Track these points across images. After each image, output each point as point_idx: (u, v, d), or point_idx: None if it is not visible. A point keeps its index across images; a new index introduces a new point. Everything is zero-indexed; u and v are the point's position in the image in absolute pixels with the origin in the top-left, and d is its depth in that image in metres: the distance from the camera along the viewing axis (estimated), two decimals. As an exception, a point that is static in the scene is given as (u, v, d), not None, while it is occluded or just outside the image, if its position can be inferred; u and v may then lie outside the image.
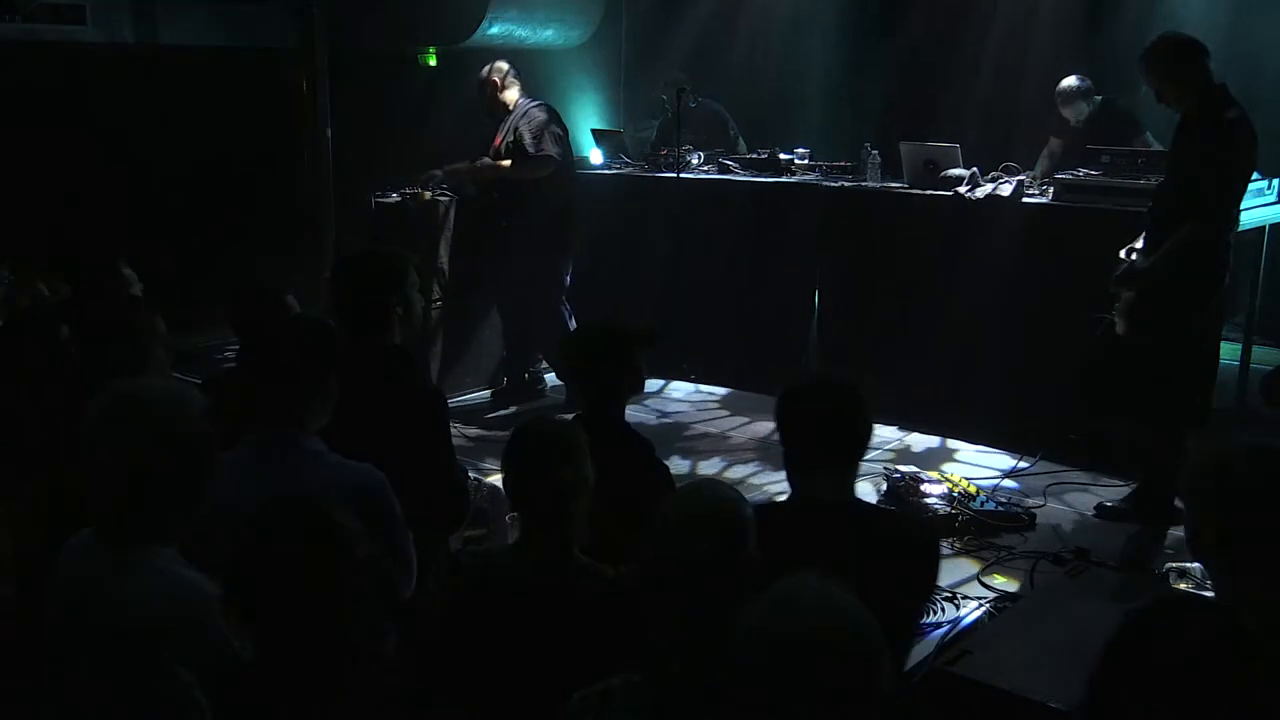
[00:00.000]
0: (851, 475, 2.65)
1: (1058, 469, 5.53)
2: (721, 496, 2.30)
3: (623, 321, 3.43)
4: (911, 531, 2.80)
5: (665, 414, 6.60)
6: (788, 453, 2.64)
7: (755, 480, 5.54)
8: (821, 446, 2.59)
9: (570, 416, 3.08)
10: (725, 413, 6.65)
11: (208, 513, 2.23)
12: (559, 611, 2.46)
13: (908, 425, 6.11)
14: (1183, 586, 4.02)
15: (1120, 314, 4.78)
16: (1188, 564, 4.10)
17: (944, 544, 4.64)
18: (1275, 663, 1.59)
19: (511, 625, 2.47)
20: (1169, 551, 4.39)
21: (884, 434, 6.00)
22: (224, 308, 3.75)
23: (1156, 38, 4.72)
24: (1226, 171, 4.52)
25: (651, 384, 7.04)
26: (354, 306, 3.33)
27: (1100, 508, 5.05)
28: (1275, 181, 5.70)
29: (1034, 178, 6.12)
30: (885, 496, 5.08)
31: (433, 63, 7.57)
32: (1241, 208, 5.31)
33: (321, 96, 6.69)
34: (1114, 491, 5.19)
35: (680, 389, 7.02)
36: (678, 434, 6.25)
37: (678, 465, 5.77)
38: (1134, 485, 5.06)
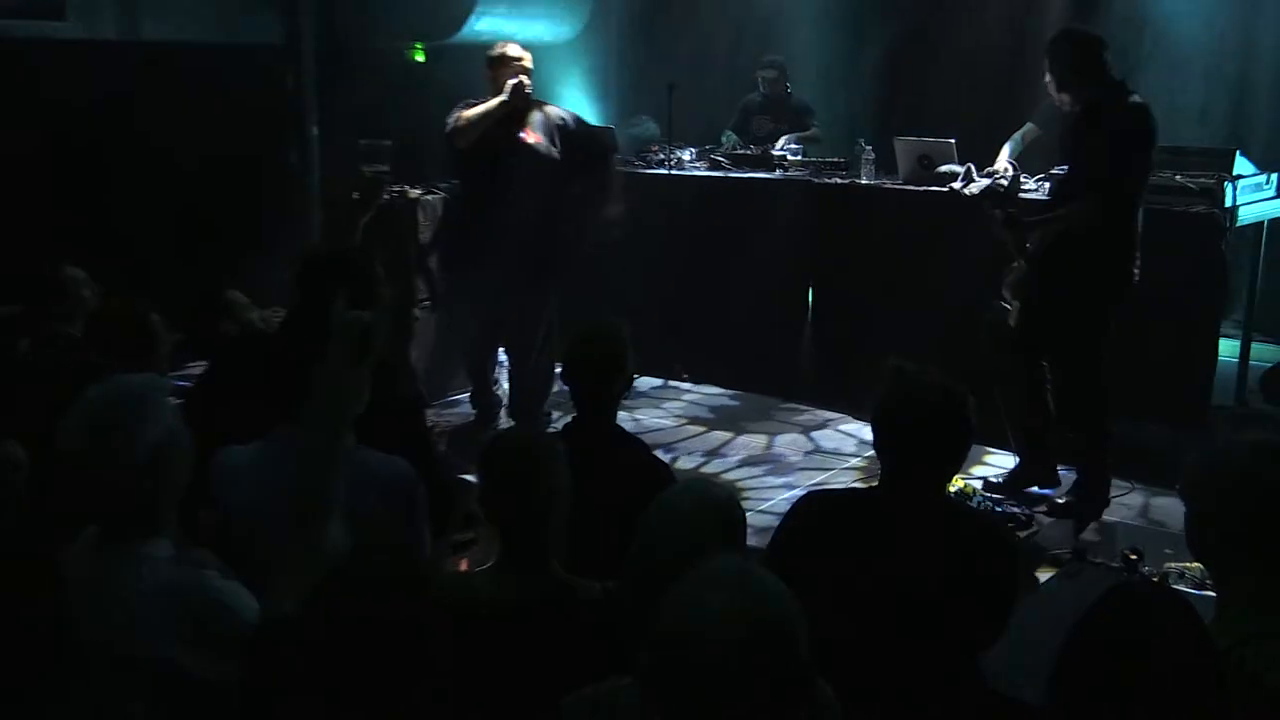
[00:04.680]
0: (947, 475, 2.64)
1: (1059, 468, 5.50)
2: (713, 496, 2.29)
3: (615, 319, 3.41)
4: (996, 532, 2.78)
5: (657, 415, 6.57)
6: (883, 448, 2.62)
7: (750, 482, 5.52)
8: (923, 445, 2.56)
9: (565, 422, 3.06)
10: (717, 414, 6.62)
11: (229, 512, 2.25)
12: (542, 634, 2.37)
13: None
14: (1182, 588, 4.00)
15: (1011, 294, 5.05)
16: (1187, 564, 4.08)
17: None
18: (1231, 652, 1.74)
19: (491, 650, 2.37)
20: (1168, 552, 4.37)
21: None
22: (186, 323, 3.73)
23: (1060, 31, 4.97)
24: (1125, 149, 4.69)
25: (642, 384, 7.02)
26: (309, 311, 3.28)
27: (1052, 505, 5.10)
28: (1274, 176, 5.70)
29: (997, 169, 6.03)
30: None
31: (420, 58, 7.53)
32: (1240, 202, 5.32)
33: (308, 94, 6.65)
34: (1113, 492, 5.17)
35: (672, 390, 6.98)
36: (669, 436, 6.23)
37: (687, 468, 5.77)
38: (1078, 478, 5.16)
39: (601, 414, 3.25)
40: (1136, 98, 4.76)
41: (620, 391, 3.28)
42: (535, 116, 5.88)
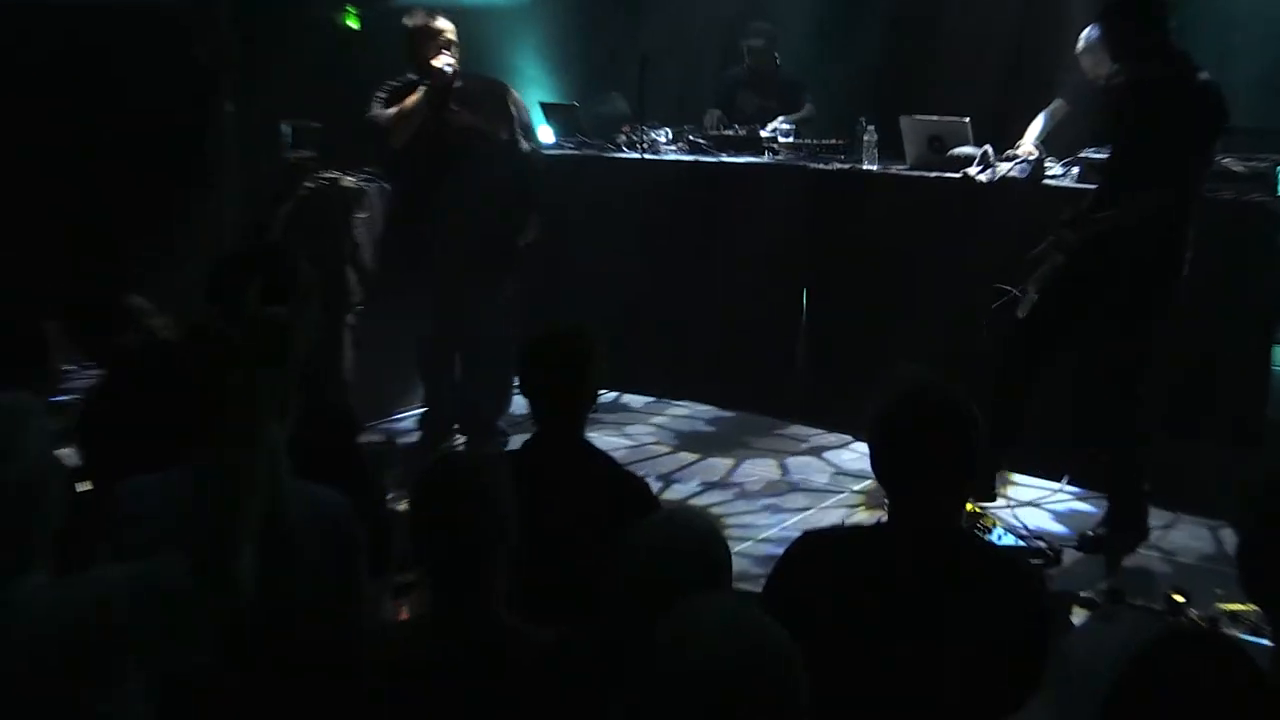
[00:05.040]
0: (956, 499, 2.64)
1: (1087, 495, 5.52)
2: (695, 528, 2.28)
3: (579, 323, 3.41)
4: (1023, 575, 2.77)
5: (629, 435, 6.55)
6: (881, 471, 2.61)
7: (734, 511, 5.51)
8: (920, 464, 2.55)
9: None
10: (700, 434, 6.61)
11: (130, 553, 2.21)
12: (481, 691, 2.34)
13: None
14: (1236, 633, 4.01)
15: (1036, 284, 5.03)
16: (1241, 606, 4.09)
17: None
18: None
19: (423, 711, 2.35)
20: (1218, 592, 4.38)
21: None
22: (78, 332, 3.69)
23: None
24: (1197, 133, 4.75)
25: (608, 400, 7.01)
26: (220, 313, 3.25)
27: (1082, 539, 5.10)
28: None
29: (1020, 151, 6.07)
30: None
31: (354, 24, 7.50)
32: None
33: (221, 64, 6.60)
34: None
35: (646, 406, 6.97)
36: (643, 458, 6.21)
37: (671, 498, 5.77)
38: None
39: (565, 429, 3.24)
40: (1205, 74, 4.77)
41: (586, 401, 3.28)
42: (470, 91, 5.98)
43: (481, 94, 6.04)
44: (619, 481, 3.25)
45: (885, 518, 2.66)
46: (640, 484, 3.31)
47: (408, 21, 5.98)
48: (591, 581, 2.46)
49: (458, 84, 5.94)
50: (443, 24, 5.93)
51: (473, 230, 5.91)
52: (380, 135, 5.95)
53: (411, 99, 5.89)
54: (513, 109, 6.16)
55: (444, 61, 5.84)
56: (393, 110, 5.91)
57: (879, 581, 2.53)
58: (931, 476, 2.54)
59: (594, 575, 2.41)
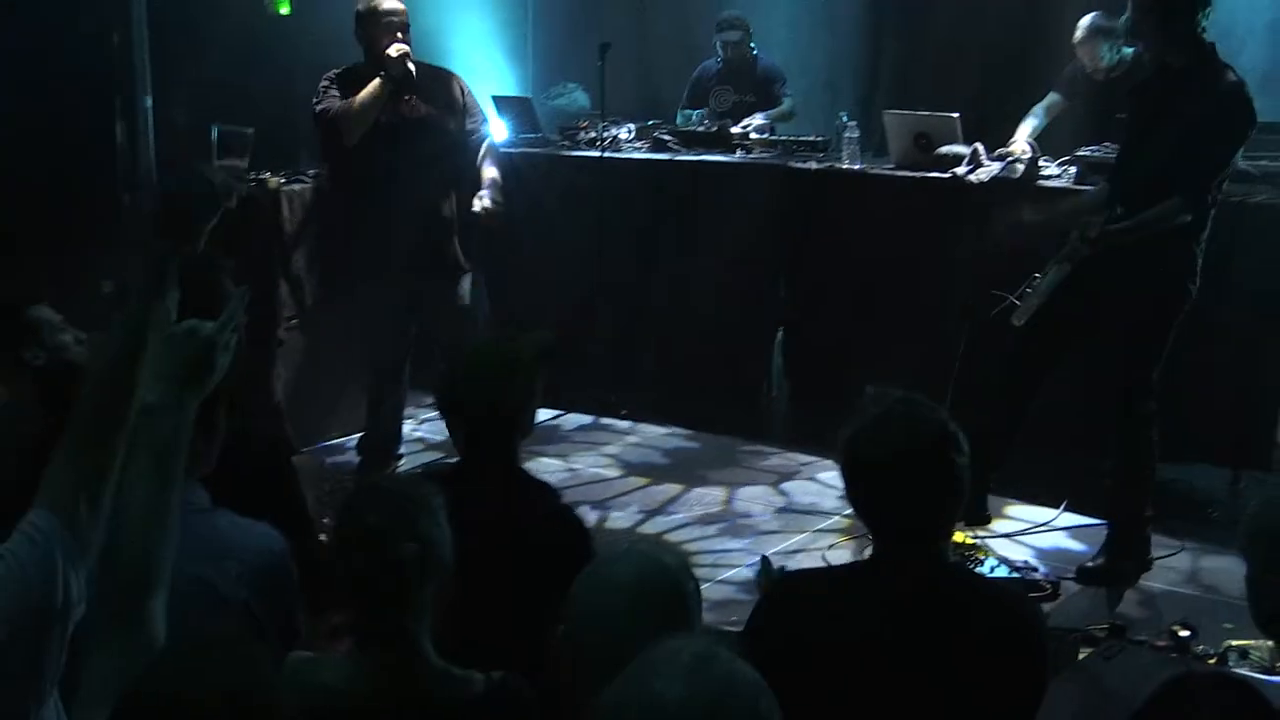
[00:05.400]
0: (943, 530, 2.64)
1: (1086, 522, 5.57)
2: (660, 562, 2.28)
3: (514, 334, 3.41)
4: (1014, 606, 2.78)
5: (590, 461, 6.56)
6: (857, 505, 2.63)
7: (704, 546, 5.53)
8: (898, 496, 2.55)
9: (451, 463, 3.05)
10: (664, 460, 6.62)
11: None
12: None
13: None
14: (1245, 671, 4.05)
15: (1041, 294, 5.04)
16: (1252, 642, 4.13)
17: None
18: None
19: None
20: (1227, 626, 4.42)
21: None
22: None
23: None
24: (1227, 137, 4.78)
25: (572, 420, 7.02)
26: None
27: (1081, 570, 5.14)
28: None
29: (1013, 150, 6.13)
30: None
31: (285, 10, 7.49)
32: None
33: (139, 53, 6.58)
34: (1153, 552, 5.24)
35: (607, 430, 6.98)
36: (605, 487, 6.22)
37: (618, 526, 5.76)
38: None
39: (494, 458, 3.22)
40: (1233, 74, 4.77)
41: (521, 425, 3.27)
42: (424, 80, 5.98)
43: (430, 82, 6.05)
44: (553, 523, 3.20)
45: (869, 553, 2.68)
46: (577, 528, 3.25)
47: (359, 5, 5.96)
48: (520, 629, 2.46)
49: (420, 74, 5.95)
50: (394, 4, 5.92)
51: (429, 229, 5.96)
52: (334, 130, 5.92)
53: (368, 90, 5.85)
54: (461, 97, 6.17)
55: (399, 49, 5.84)
56: (348, 103, 5.87)
57: (866, 623, 2.55)
58: (912, 508, 2.54)
59: (522, 624, 2.41)
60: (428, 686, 2.42)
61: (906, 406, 2.61)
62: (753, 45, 7.65)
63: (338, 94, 5.92)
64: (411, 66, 5.87)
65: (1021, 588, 4.86)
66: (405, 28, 5.92)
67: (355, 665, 2.44)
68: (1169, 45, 4.84)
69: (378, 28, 5.87)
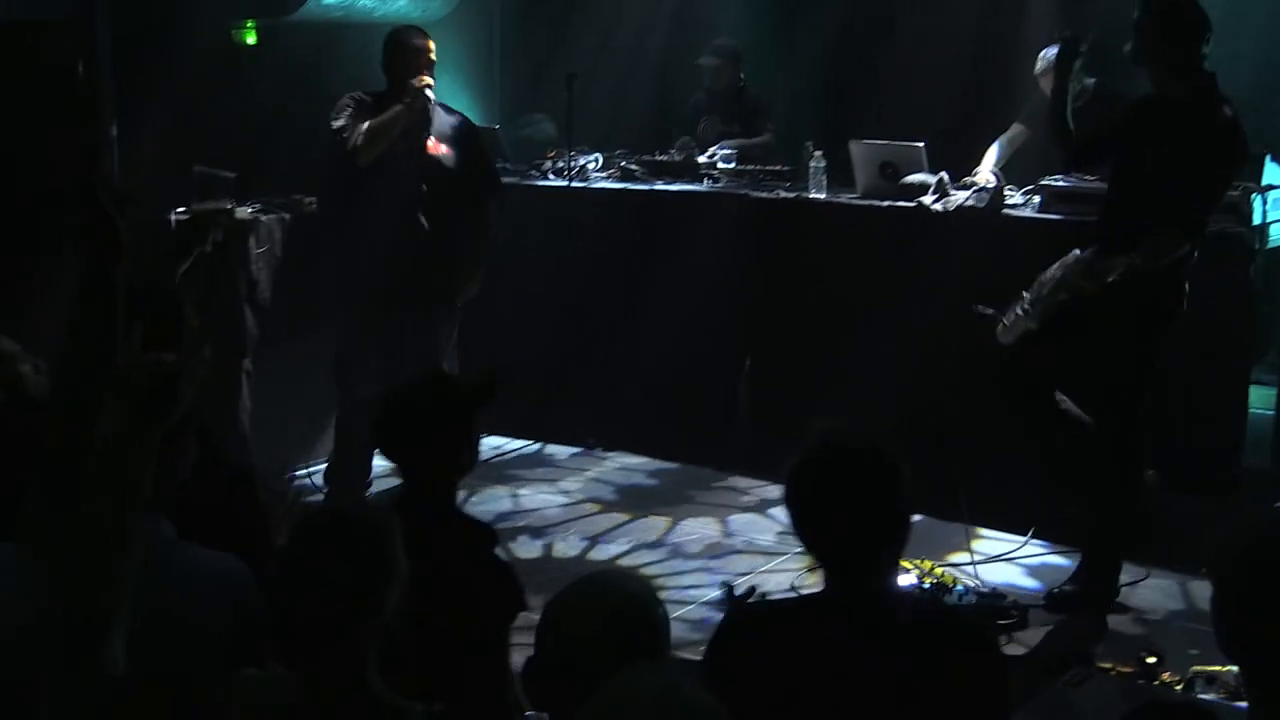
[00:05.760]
0: (888, 563, 2.64)
1: (1053, 550, 5.57)
2: (628, 592, 2.28)
3: (449, 374, 3.41)
4: (968, 635, 2.77)
5: (562, 491, 6.54)
6: (802, 537, 2.62)
7: (671, 576, 5.52)
8: (841, 527, 2.55)
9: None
10: (630, 490, 6.61)
11: None
12: None
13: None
14: (1211, 696, 4.05)
15: (1032, 317, 5.00)
16: (1219, 667, 4.14)
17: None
18: None
19: None
20: (1193, 653, 4.43)
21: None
22: None
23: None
24: (1222, 184, 4.84)
25: (541, 450, 7.01)
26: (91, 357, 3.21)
27: (1050, 596, 5.15)
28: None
29: (978, 180, 6.16)
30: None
31: (251, 40, 7.48)
32: (1272, 219, 5.48)
33: (104, 84, 6.55)
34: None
35: (574, 458, 6.96)
36: (575, 515, 6.21)
37: (569, 554, 5.76)
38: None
39: (431, 493, 3.20)
40: (1229, 107, 4.78)
41: (458, 463, 3.26)
42: (436, 120, 6.10)
43: (448, 123, 6.15)
44: (486, 567, 3.19)
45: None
46: (508, 578, 3.22)
47: (389, 37, 6.07)
48: (449, 664, 2.45)
49: (434, 112, 6.07)
50: (423, 41, 6.03)
51: (419, 261, 6.01)
52: (345, 148, 5.96)
53: (388, 114, 5.92)
54: (474, 143, 6.28)
55: (423, 80, 5.93)
56: (367, 124, 5.92)
57: (818, 655, 2.54)
58: (857, 541, 2.55)
59: (450, 659, 2.39)
60: (369, 713, 2.39)
61: (848, 440, 2.62)
62: (742, 77, 7.62)
63: (352, 114, 5.98)
64: (432, 95, 5.97)
65: (990, 615, 4.88)
66: (431, 64, 6.02)
67: (301, 687, 2.40)
68: (1169, 74, 4.85)
69: (405, 59, 5.97)
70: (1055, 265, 5.02)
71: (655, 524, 6.12)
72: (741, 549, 5.81)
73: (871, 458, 2.56)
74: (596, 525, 6.12)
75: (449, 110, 6.26)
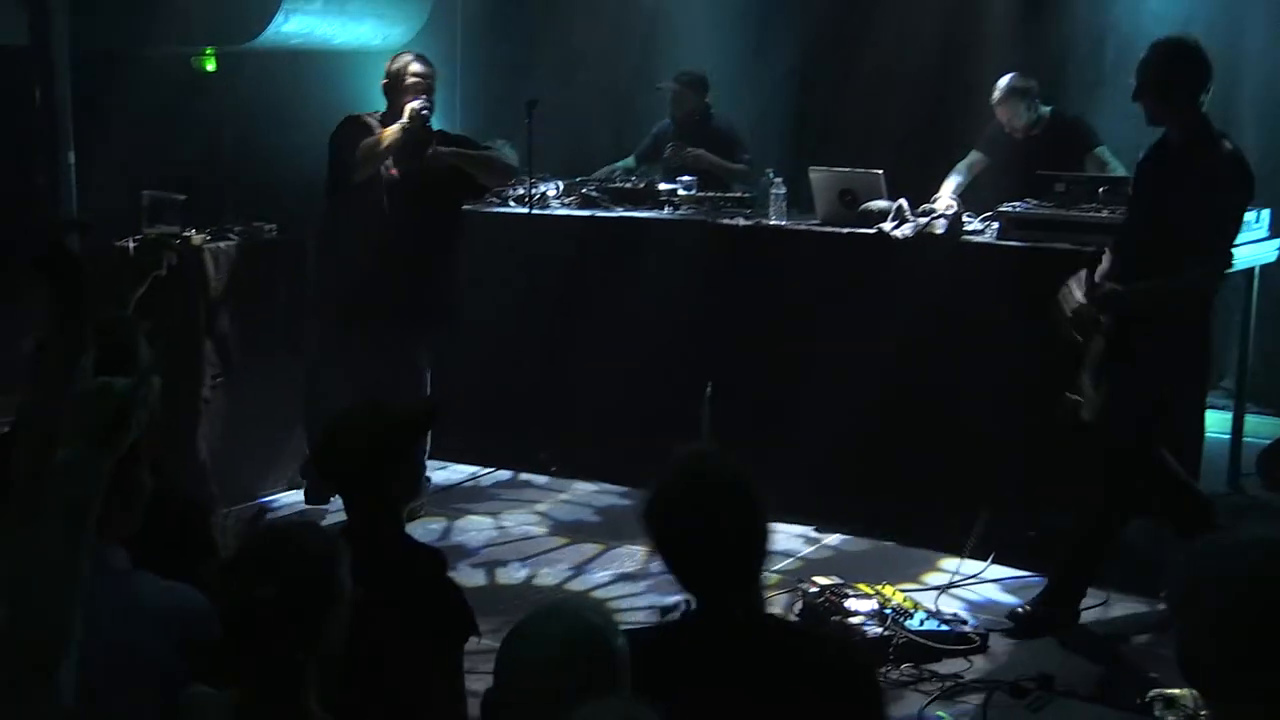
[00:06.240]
0: (756, 585, 2.64)
1: (1014, 575, 5.59)
2: (585, 621, 2.26)
3: (387, 404, 3.40)
4: (841, 659, 2.78)
5: (518, 519, 6.51)
6: (669, 564, 2.62)
7: (620, 599, 5.50)
8: (709, 554, 2.56)
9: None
10: (597, 516, 6.58)
11: None
12: None
13: (825, 525, 6.14)
14: (1170, 719, 4.06)
15: (1087, 376, 4.98)
16: (1177, 690, 4.15)
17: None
18: None
19: None
20: (1152, 676, 4.44)
21: (796, 537, 6.03)
22: None
23: (1160, 41, 4.96)
24: (1227, 217, 4.86)
25: (500, 476, 6.98)
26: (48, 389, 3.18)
27: (1013, 615, 5.16)
28: (1265, 213, 5.88)
29: (938, 206, 6.18)
30: (801, 616, 5.08)
31: (211, 68, 7.46)
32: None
33: (61, 110, 6.52)
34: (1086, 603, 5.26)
35: (534, 487, 6.94)
36: (532, 543, 6.18)
37: (522, 580, 5.73)
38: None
39: (373, 520, 3.18)
40: (1229, 145, 4.87)
41: (400, 490, 3.25)
42: (439, 144, 6.26)
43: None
44: (435, 591, 3.17)
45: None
46: (457, 602, 3.21)
47: (390, 63, 6.28)
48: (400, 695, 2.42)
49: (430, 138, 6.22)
50: (421, 68, 6.24)
51: (409, 283, 6.17)
52: (342, 164, 6.12)
53: (385, 133, 6.10)
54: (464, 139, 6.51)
55: (420, 104, 6.10)
56: (362, 143, 6.10)
57: (692, 676, 2.52)
58: (717, 565, 2.57)
59: (411, 680, 2.36)
60: None
61: (704, 464, 2.67)
62: (708, 104, 7.63)
63: (355, 133, 6.16)
64: (427, 117, 6.13)
65: (957, 640, 4.88)
66: (430, 90, 6.21)
67: (242, 711, 2.37)
68: (1167, 119, 4.91)
69: (404, 84, 6.16)
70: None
71: (608, 551, 6.08)
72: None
73: (731, 481, 2.60)
74: (551, 552, 6.09)
75: (452, 136, 6.47)
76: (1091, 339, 5.01)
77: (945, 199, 6.24)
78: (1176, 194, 4.84)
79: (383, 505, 3.21)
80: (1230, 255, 4.90)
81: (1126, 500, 5.03)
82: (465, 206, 6.58)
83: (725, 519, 2.56)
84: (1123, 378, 4.92)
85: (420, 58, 6.31)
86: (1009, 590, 5.50)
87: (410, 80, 6.15)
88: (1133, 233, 5.05)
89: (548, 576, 5.79)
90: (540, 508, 6.68)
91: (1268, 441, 6.24)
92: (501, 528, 6.37)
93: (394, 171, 6.18)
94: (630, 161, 7.70)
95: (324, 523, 6.02)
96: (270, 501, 6.53)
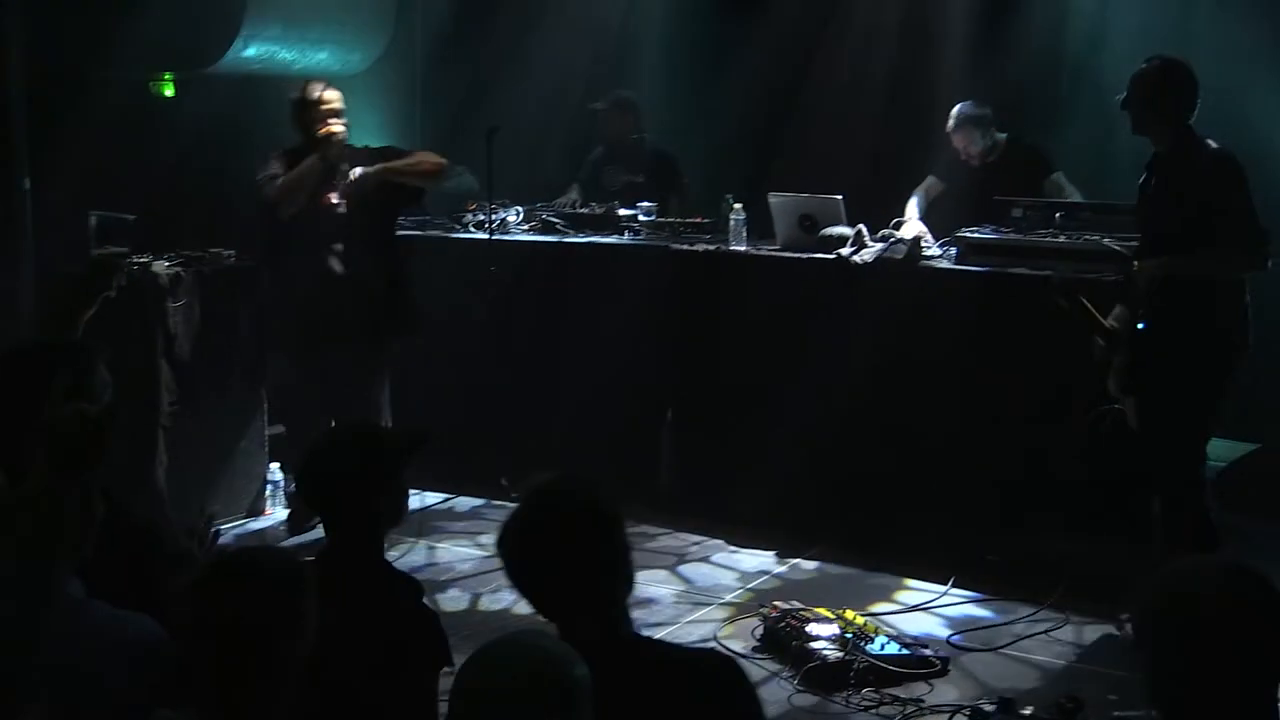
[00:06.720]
0: (620, 604, 2.65)
1: (973, 598, 5.59)
2: (546, 651, 2.23)
3: (378, 427, 3.38)
4: (707, 667, 2.76)
5: (479, 544, 6.47)
6: (520, 592, 2.63)
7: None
8: (557, 579, 2.57)
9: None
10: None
11: None
12: None
13: (786, 550, 6.13)
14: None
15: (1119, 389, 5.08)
16: (1138, 713, 4.15)
17: (837, 698, 4.68)
18: None
19: None
20: (1112, 698, 4.45)
21: (757, 561, 6.03)
22: None
23: (1168, 61, 5.06)
24: (1231, 203, 4.89)
25: (462, 504, 6.93)
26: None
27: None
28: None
29: (904, 232, 6.20)
30: (762, 640, 5.08)
31: (169, 93, 7.42)
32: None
33: (18, 135, 6.47)
34: (1037, 626, 5.26)
35: (495, 511, 6.89)
36: (494, 571, 6.12)
37: (492, 609, 5.69)
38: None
39: (355, 545, 3.15)
40: (1212, 141, 4.99)
41: (384, 515, 3.22)
42: (364, 162, 6.31)
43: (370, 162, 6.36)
44: (410, 617, 3.14)
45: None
46: (433, 629, 3.18)
47: (294, 94, 6.29)
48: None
49: (355, 157, 6.30)
50: (328, 94, 6.26)
51: (357, 303, 6.24)
52: (272, 207, 6.20)
53: (301, 167, 6.15)
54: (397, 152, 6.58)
55: (332, 130, 6.15)
56: (281, 179, 6.16)
57: None
58: (575, 584, 2.58)
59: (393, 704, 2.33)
60: None
61: (552, 489, 2.70)
62: (639, 126, 7.65)
63: (279, 169, 6.21)
64: (343, 140, 6.19)
65: (918, 664, 4.87)
66: (338, 113, 6.24)
67: None
68: (1153, 131, 5.05)
69: (313, 114, 6.19)
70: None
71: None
72: (667, 600, 5.75)
73: (581, 504, 2.63)
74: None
75: (376, 150, 6.50)
76: (1118, 351, 5.07)
77: (914, 224, 6.26)
78: (1174, 200, 4.96)
79: (367, 528, 3.17)
80: (1261, 234, 4.92)
81: (1198, 487, 5.09)
82: (429, 233, 6.65)
83: (573, 545, 2.57)
84: (1164, 373, 4.97)
85: (323, 83, 6.36)
86: (968, 614, 5.49)
87: (319, 109, 6.19)
88: (1146, 250, 5.15)
89: (508, 605, 5.75)
90: (491, 534, 6.62)
91: (1226, 465, 6.28)
92: (461, 554, 6.33)
93: (327, 199, 6.23)
94: (575, 195, 7.69)
95: (286, 544, 6.05)
96: (231, 526, 6.48)
